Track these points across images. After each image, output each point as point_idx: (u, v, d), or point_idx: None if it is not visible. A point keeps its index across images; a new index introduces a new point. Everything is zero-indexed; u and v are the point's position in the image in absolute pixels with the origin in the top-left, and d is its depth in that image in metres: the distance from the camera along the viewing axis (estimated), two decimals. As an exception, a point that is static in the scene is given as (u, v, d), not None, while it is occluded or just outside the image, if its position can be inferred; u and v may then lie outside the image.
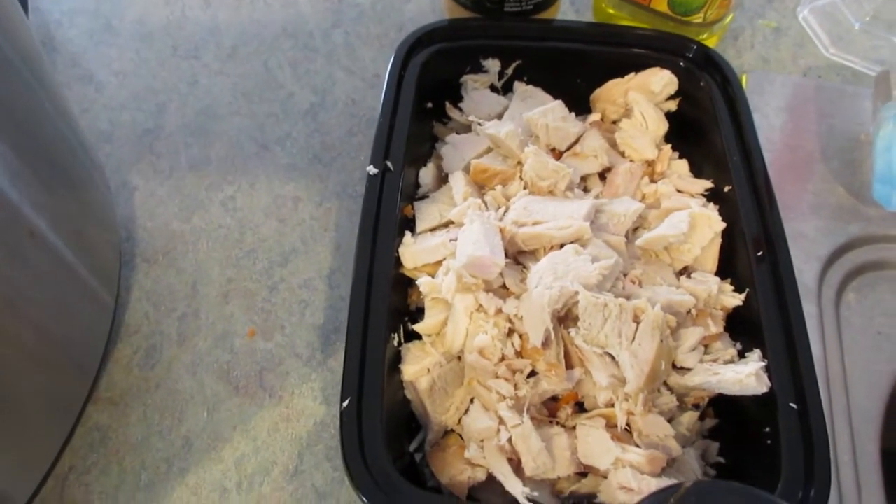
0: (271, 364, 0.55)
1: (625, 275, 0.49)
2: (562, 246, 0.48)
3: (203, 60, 0.73)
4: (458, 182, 0.54)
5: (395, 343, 0.48)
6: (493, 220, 0.49)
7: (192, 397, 0.53)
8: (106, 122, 0.68)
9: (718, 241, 0.52)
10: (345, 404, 0.42)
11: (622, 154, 0.59)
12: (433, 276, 0.48)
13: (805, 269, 0.57)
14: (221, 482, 0.50)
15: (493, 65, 0.62)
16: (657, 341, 0.43)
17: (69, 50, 0.74)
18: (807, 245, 0.59)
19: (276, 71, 0.72)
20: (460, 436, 0.47)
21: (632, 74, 0.61)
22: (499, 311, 0.46)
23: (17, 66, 0.40)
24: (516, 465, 0.43)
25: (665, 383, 0.46)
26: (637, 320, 0.44)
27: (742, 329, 0.49)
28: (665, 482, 0.41)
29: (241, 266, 0.59)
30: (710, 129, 0.57)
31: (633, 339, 0.44)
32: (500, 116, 0.60)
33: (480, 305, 0.46)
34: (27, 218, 0.38)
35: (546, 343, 0.44)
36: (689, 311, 0.48)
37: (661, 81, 0.60)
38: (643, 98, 0.60)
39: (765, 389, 0.43)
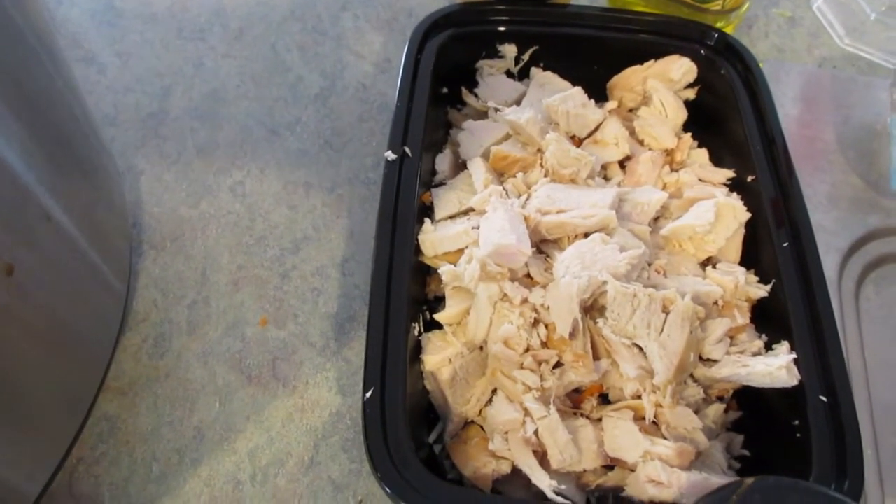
0: (284, 353, 0.53)
1: (649, 264, 0.48)
2: (586, 235, 0.48)
3: (209, 43, 0.71)
4: (477, 169, 0.52)
5: (416, 333, 0.47)
6: (516, 208, 0.48)
7: (204, 387, 0.52)
8: (110, 104, 0.66)
9: (742, 231, 0.51)
10: (368, 395, 0.41)
11: (641, 142, 0.58)
12: (454, 265, 0.47)
13: (824, 260, 0.56)
14: (235, 474, 0.49)
15: (509, 50, 0.61)
16: (686, 332, 0.43)
17: (69, 30, 0.72)
18: (826, 237, 0.58)
19: (284, 54, 0.71)
20: (481, 427, 0.46)
21: (651, 62, 0.60)
22: (524, 301, 0.45)
23: (31, 41, 0.38)
24: (541, 458, 0.43)
25: (691, 375, 0.46)
26: (666, 311, 0.43)
27: (767, 320, 0.48)
28: (695, 475, 0.40)
29: (251, 253, 0.58)
30: (731, 117, 0.56)
31: (662, 330, 0.43)
32: (516, 102, 0.59)
33: (505, 295, 0.45)
34: (42, 201, 0.36)
35: (573, 333, 0.43)
36: (715, 303, 0.47)
37: (680, 69, 0.59)
38: (662, 86, 0.59)
39: (795, 382, 0.42)
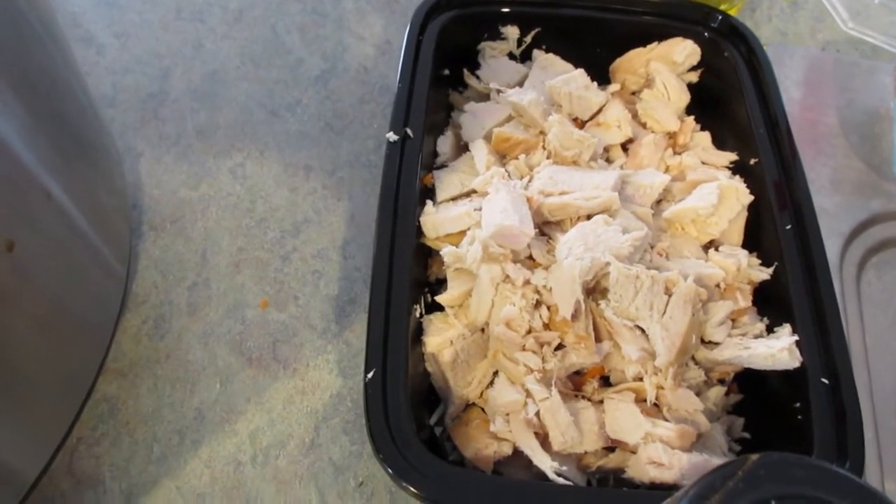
0: (285, 335, 0.53)
1: (651, 247, 0.48)
2: (589, 217, 0.47)
3: (208, 24, 0.71)
4: (479, 151, 0.52)
5: (417, 315, 0.46)
6: (519, 190, 0.47)
7: (204, 368, 0.52)
8: (109, 85, 0.66)
9: (745, 214, 0.51)
10: (369, 376, 0.41)
11: (643, 125, 0.58)
12: (456, 247, 0.47)
13: (826, 244, 0.56)
14: (236, 455, 0.49)
15: (511, 32, 0.61)
16: (689, 315, 0.43)
17: (68, 10, 0.71)
18: (828, 221, 0.58)
19: (284, 36, 0.70)
20: (482, 409, 0.46)
21: (654, 44, 0.59)
22: (526, 283, 0.45)
23: (30, 18, 0.38)
24: (542, 440, 0.43)
25: (693, 358, 0.46)
26: (668, 293, 0.43)
27: (769, 303, 0.48)
28: (696, 457, 0.40)
29: (251, 235, 0.58)
30: (734, 100, 0.56)
31: (665, 312, 0.43)
32: (518, 84, 0.59)
33: (507, 276, 0.45)
34: (43, 179, 0.36)
35: (576, 315, 0.43)
36: (717, 285, 0.47)
37: (683, 51, 0.58)
38: (665, 68, 0.59)
39: (797, 364, 0.42)
